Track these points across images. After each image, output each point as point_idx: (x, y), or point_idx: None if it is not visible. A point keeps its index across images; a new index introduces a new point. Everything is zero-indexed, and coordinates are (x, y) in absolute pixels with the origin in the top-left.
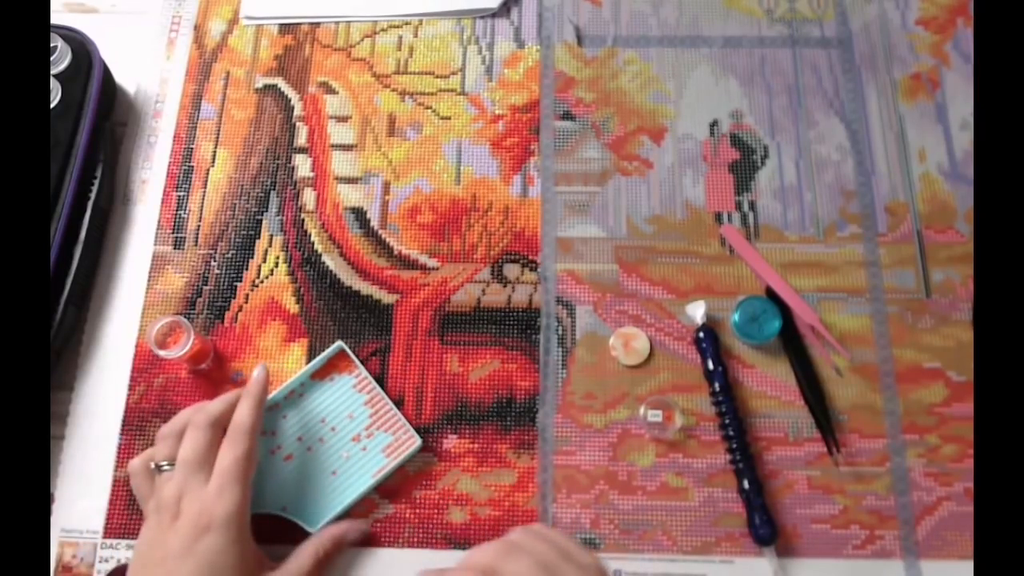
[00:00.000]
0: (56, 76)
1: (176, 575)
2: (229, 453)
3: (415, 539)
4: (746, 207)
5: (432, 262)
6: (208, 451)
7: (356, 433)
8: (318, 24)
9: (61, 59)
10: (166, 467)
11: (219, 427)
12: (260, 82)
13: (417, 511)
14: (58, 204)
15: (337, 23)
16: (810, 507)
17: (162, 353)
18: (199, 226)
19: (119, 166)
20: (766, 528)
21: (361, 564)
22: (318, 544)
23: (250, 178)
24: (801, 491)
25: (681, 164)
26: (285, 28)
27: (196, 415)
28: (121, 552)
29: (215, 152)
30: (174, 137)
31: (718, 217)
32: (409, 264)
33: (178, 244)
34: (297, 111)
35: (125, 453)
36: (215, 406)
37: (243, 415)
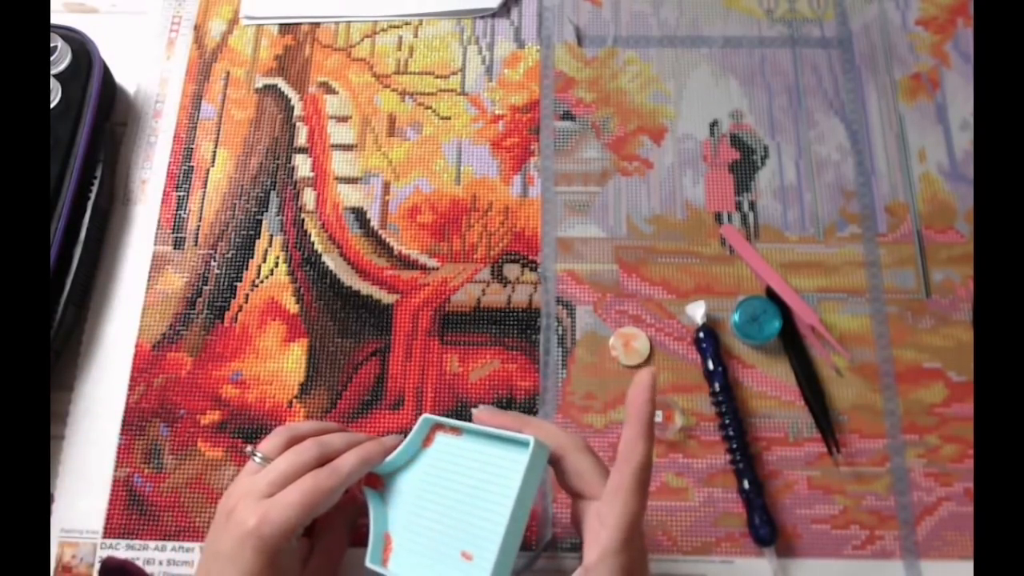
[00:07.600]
0: (56, 76)
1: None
2: (308, 483)
3: None
4: (746, 207)
5: (432, 262)
6: (297, 475)
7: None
8: (318, 24)
9: (61, 59)
10: (258, 459)
11: (325, 461)
12: (260, 82)
13: None
14: (58, 204)
15: (337, 23)
16: (810, 507)
17: None
18: (199, 226)
19: (119, 166)
20: (766, 528)
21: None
22: (344, 518)
23: (250, 178)
24: (801, 491)
25: (681, 164)
26: (285, 28)
27: (320, 439)
28: (121, 552)
29: (215, 152)
30: (174, 137)
31: (718, 217)
32: (409, 264)
33: (178, 244)
34: (297, 111)
35: (125, 453)
36: (338, 441)
37: (345, 461)
